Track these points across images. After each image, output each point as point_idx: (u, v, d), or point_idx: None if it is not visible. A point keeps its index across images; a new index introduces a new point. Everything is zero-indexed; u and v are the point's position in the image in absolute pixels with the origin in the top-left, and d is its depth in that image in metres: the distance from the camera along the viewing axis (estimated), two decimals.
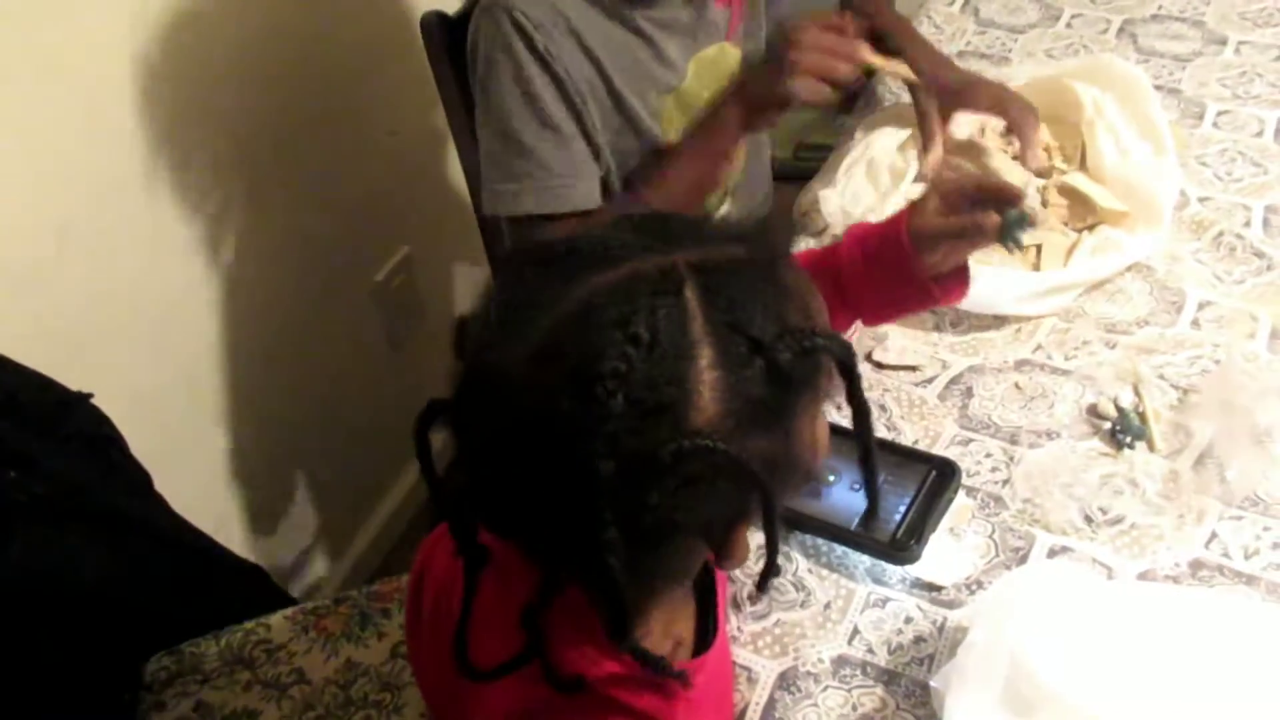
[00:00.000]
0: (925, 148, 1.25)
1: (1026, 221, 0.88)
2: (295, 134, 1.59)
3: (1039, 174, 1.25)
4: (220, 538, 1.37)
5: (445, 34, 1.34)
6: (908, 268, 0.91)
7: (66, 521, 1.12)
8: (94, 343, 1.34)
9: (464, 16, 1.33)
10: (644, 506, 0.58)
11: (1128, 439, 0.99)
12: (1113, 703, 0.72)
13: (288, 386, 1.69)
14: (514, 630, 0.69)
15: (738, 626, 0.89)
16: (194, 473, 1.54)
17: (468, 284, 2.02)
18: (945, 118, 1.26)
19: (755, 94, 1.11)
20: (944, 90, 1.26)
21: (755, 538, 0.64)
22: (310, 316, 1.70)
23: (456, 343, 0.64)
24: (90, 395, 1.19)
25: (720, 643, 0.77)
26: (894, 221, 0.92)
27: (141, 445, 1.26)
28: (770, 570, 0.67)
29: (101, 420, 1.21)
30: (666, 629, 0.73)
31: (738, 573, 0.92)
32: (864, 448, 0.66)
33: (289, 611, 1.30)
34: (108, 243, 1.34)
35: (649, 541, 0.60)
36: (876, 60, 1.07)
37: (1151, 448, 0.99)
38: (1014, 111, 1.22)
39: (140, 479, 1.25)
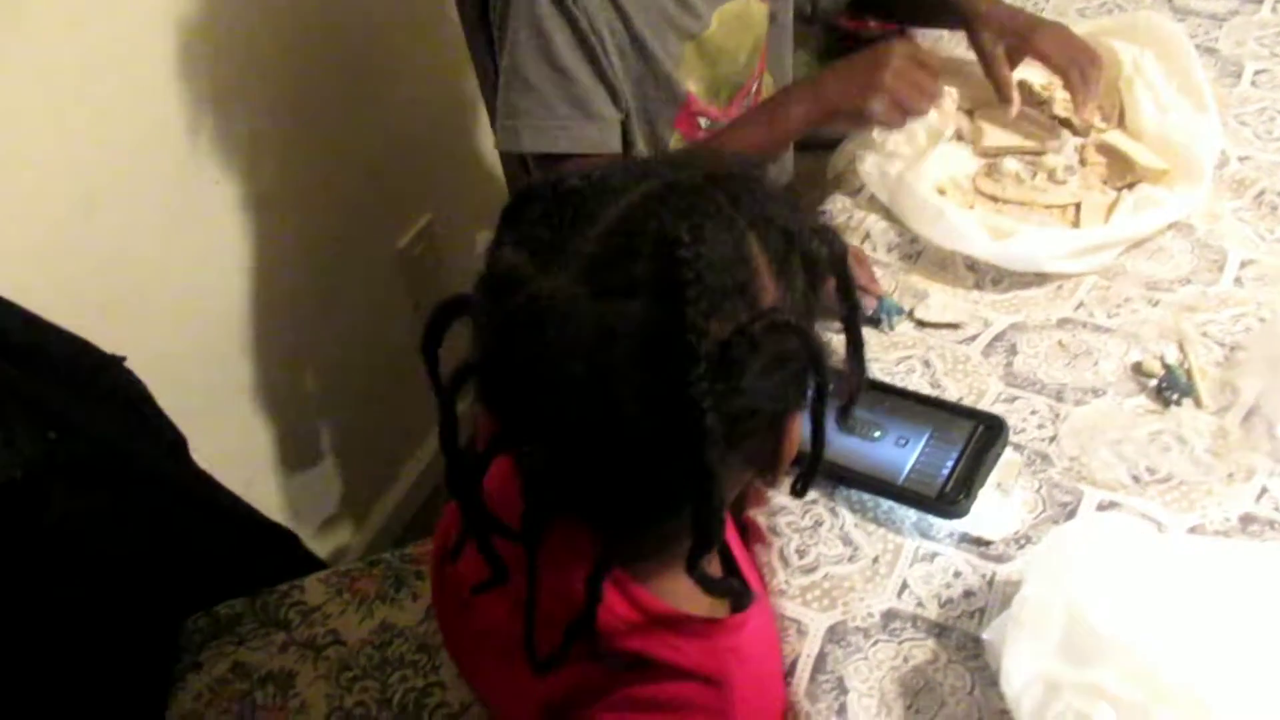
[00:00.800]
0: (1000, 95, 1.24)
1: (895, 310, 1.09)
2: (321, 99, 1.58)
3: (1079, 132, 1.24)
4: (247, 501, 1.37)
5: None
6: None
7: (105, 483, 1.12)
8: (122, 308, 1.33)
9: None
10: (737, 390, 0.57)
11: (1175, 396, 0.99)
12: (1172, 653, 0.72)
13: (311, 352, 1.69)
14: (561, 611, 0.67)
15: (785, 580, 0.88)
16: (220, 438, 1.54)
17: None
18: (1013, 63, 1.25)
19: (831, 98, 1.12)
20: (1010, 33, 1.24)
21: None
22: (334, 282, 1.69)
23: (431, 332, 0.62)
24: (123, 358, 1.19)
25: (762, 599, 0.76)
26: None
27: (167, 409, 1.25)
28: (816, 463, 0.66)
29: (134, 383, 1.21)
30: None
31: (783, 528, 0.92)
32: (852, 342, 0.66)
33: (323, 574, 1.31)
34: (135, 209, 1.33)
35: (737, 434, 0.59)
36: (948, 108, 1.17)
37: (1198, 404, 0.99)
38: (1072, 69, 1.21)
39: (175, 441, 1.25)
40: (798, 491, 0.69)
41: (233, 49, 1.41)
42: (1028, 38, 1.23)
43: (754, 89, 1.33)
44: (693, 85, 1.23)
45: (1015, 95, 1.22)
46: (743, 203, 0.61)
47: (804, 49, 2.27)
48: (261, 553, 1.36)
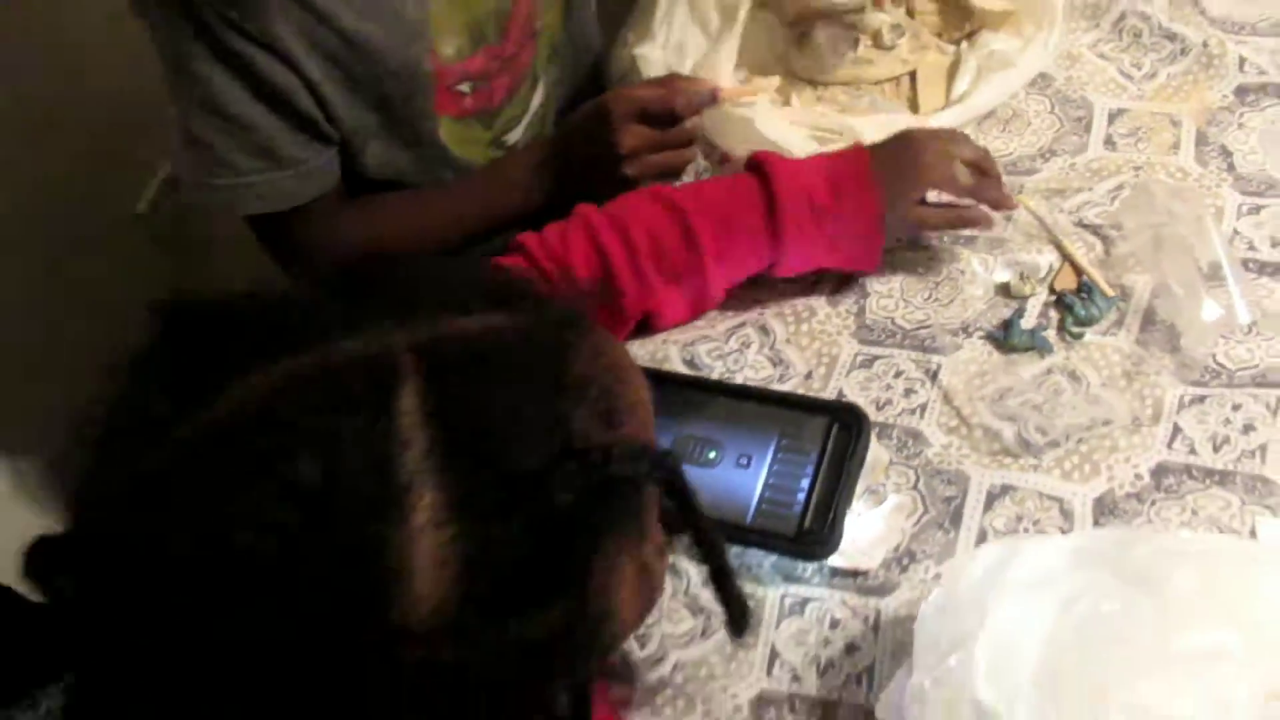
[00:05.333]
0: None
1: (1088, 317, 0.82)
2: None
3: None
4: None
5: None
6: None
7: None
8: None
9: None
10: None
11: (1073, 328, 0.81)
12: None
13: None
14: None
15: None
16: None
17: None
18: None
19: (577, 165, 0.93)
20: None
21: None
22: (63, 271, 1.40)
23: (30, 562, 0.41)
24: None
25: None
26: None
27: None
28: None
29: None
30: None
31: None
32: (716, 582, 0.50)
33: None
34: None
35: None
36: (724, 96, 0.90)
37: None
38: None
39: None
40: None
41: None
42: None
43: (527, 9, 1.02)
44: (446, 47, 0.92)
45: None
46: (450, 414, 0.38)
47: None
48: None
